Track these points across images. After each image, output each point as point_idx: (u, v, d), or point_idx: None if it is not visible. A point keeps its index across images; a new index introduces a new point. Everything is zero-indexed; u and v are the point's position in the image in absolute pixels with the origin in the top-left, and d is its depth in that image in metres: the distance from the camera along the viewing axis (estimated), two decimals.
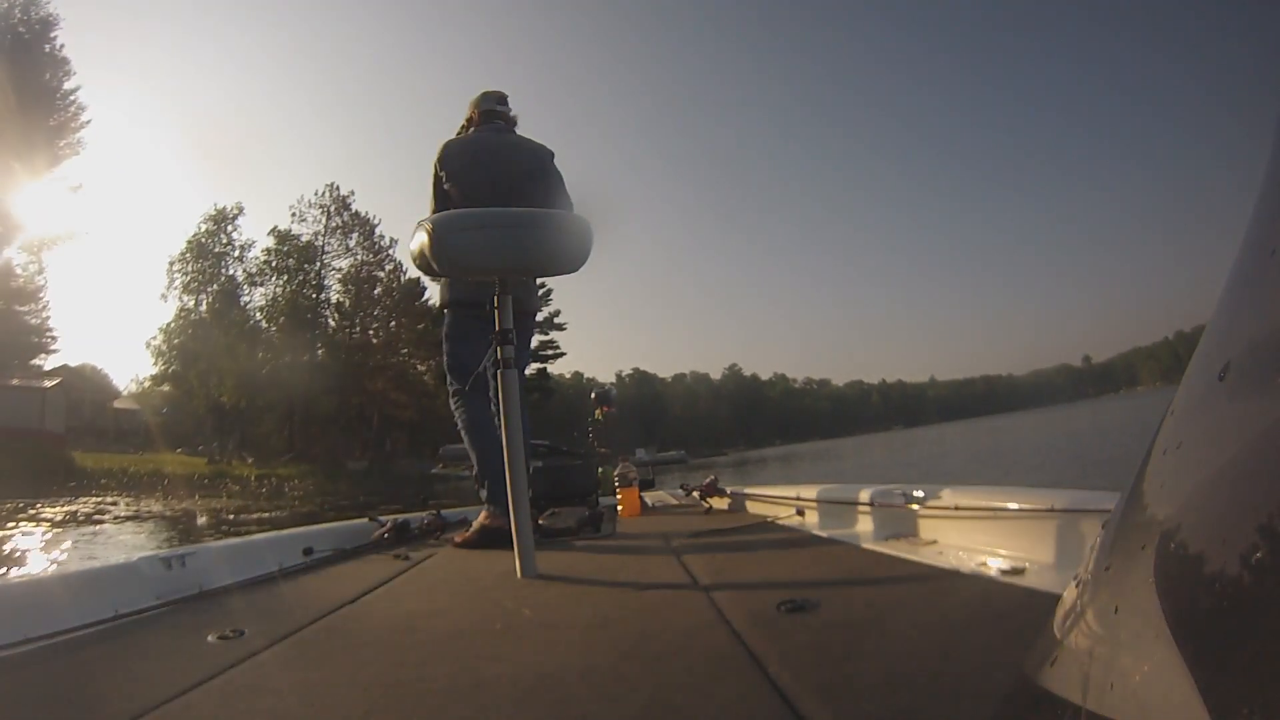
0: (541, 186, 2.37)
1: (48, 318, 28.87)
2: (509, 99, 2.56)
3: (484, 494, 2.26)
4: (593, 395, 4.13)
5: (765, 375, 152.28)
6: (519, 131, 2.55)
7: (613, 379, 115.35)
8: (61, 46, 26.09)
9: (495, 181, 2.33)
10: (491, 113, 2.49)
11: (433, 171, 2.41)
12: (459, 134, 2.54)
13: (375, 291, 34.24)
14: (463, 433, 2.34)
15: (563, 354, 37.96)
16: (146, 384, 32.89)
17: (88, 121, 27.35)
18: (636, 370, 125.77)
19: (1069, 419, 39.62)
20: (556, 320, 36.59)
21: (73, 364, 36.31)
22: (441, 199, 2.38)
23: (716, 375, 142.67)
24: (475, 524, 2.25)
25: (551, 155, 2.46)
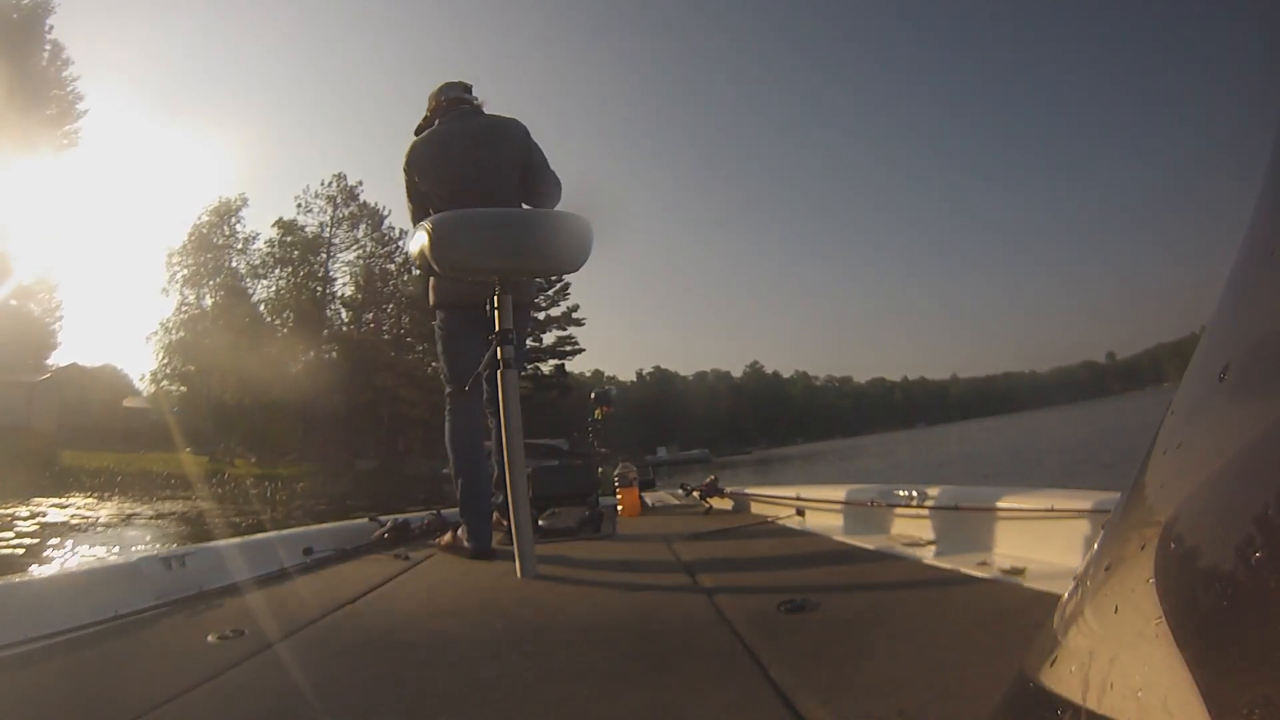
0: (519, 167, 2.21)
1: (60, 316, 28.67)
2: (473, 88, 2.36)
3: (464, 520, 2.09)
4: (592, 395, 4.12)
5: (787, 373, 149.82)
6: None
7: (633, 377, 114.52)
8: (50, 29, 25.17)
9: (470, 169, 2.16)
10: (457, 100, 2.30)
11: (405, 178, 2.25)
12: (419, 130, 2.33)
13: (389, 285, 33.51)
14: (449, 450, 2.17)
15: (581, 350, 37.02)
16: (160, 380, 32.34)
17: (85, 111, 26.71)
18: (657, 368, 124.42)
19: (1098, 415, 38.70)
20: (575, 316, 35.88)
21: (94, 364, 35.66)
22: (419, 201, 2.22)
23: (738, 373, 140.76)
24: (453, 538, 2.12)
25: (525, 130, 2.27)
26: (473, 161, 2.17)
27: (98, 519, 12.36)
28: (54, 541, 9.09)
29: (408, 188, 2.25)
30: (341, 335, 33.26)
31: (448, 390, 2.21)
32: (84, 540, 9.48)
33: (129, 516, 12.75)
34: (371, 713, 0.78)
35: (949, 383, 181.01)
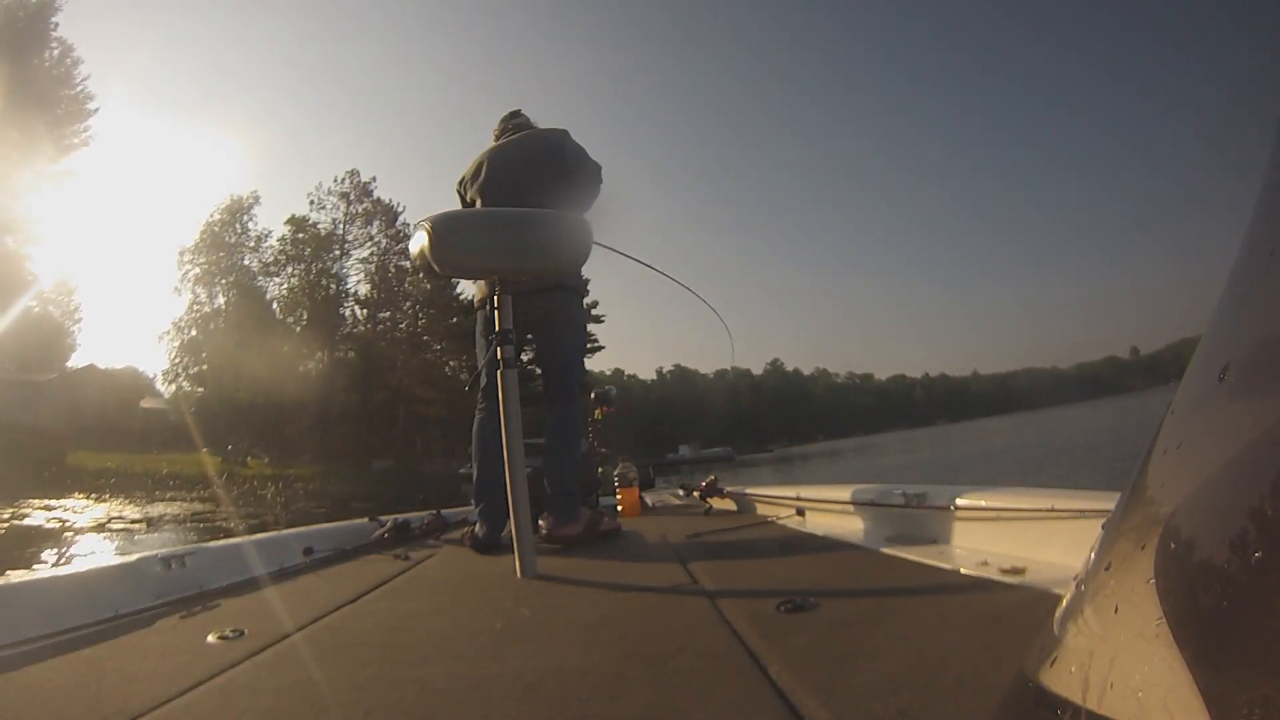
0: (555, 168, 2.37)
1: (79, 319, 28.53)
2: (522, 110, 2.64)
3: (477, 507, 2.27)
4: (593, 395, 4.12)
5: (807, 370, 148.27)
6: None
7: (653, 375, 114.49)
8: (55, 26, 24.83)
9: (502, 179, 2.36)
10: (506, 129, 2.56)
11: (457, 196, 2.49)
12: None
13: (404, 284, 32.75)
14: (472, 445, 2.35)
15: (601, 348, 36.41)
16: (173, 380, 31.89)
17: (95, 110, 26.42)
18: (678, 366, 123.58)
19: (1124, 411, 37.65)
20: (594, 313, 35.27)
21: (116, 366, 35.18)
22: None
23: (758, 371, 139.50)
24: (469, 531, 2.29)
25: (565, 133, 2.47)
26: (504, 165, 2.39)
27: (74, 523, 11.73)
28: (17, 549, 8.55)
29: (461, 206, 2.47)
30: (356, 334, 32.67)
31: (481, 385, 2.34)
32: (53, 547, 8.90)
33: (109, 521, 12.16)
34: (371, 713, 0.78)
35: (970, 379, 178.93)
